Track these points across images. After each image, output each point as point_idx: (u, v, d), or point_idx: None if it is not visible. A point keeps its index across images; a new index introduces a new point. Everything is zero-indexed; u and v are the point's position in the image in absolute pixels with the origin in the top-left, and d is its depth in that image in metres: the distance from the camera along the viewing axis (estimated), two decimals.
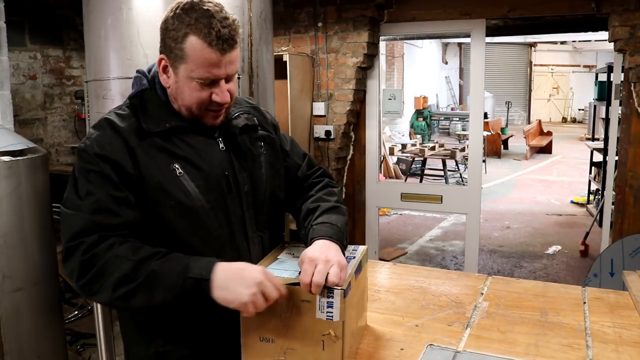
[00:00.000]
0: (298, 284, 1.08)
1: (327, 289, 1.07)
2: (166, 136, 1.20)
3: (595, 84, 7.00)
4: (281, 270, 1.18)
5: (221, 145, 1.26)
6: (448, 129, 14.97)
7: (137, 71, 1.29)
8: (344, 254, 1.19)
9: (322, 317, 1.08)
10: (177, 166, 1.18)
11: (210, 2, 1.15)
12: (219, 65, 1.15)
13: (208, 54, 1.13)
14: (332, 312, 1.08)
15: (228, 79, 1.19)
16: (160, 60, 1.20)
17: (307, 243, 1.22)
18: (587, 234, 5.34)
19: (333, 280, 1.06)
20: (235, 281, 1.06)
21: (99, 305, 2.73)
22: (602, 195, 5.28)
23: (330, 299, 1.07)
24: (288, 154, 1.44)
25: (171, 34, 1.15)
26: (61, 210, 1.17)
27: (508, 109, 15.33)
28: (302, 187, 1.43)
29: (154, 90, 1.25)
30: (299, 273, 1.11)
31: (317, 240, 1.19)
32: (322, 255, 1.10)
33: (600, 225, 4.58)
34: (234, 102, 1.30)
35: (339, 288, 1.07)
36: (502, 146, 12.33)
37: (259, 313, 1.07)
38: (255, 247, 1.30)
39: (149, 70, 1.29)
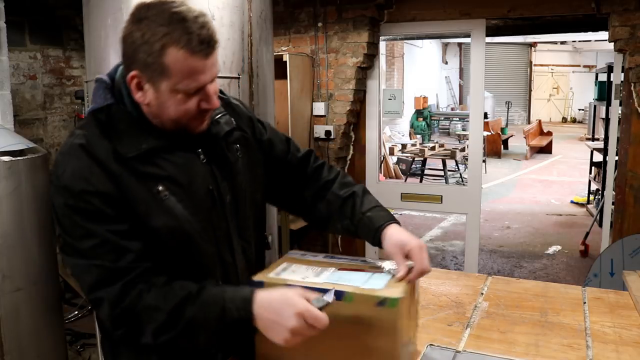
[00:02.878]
0: (327, 304, 1.03)
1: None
2: (145, 158, 1.08)
3: (595, 84, 7.00)
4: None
5: (202, 157, 1.17)
6: (448, 129, 14.97)
7: (97, 80, 1.14)
8: None
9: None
10: (161, 188, 1.08)
11: (173, 1, 1.03)
12: (204, 70, 1.05)
13: (193, 62, 1.03)
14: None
15: (212, 81, 1.10)
16: (133, 77, 1.06)
17: (357, 232, 1.24)
18: (587, 234, 5.34)
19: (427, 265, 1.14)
20: (272, 324, 1.01)
21: None
22: (602, 195, 5.28)
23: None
24: (271, 142, 1.35)
25: (144, 48, 1.02)
26: (65, 258, 1.08)
27: (508, 109, 15.33)
28: (304, 175, 1.35)
29: (122, 105, 1.12)
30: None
31: (389, 226, 1.20)
32: (416, 241, 1.15)
33: (600, 225, 4.58)
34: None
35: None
36: (502, 146, 12.33)
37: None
38: (239, 256, 1.24)
39: (111, 79, 1.14)
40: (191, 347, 1.07)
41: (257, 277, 1.12)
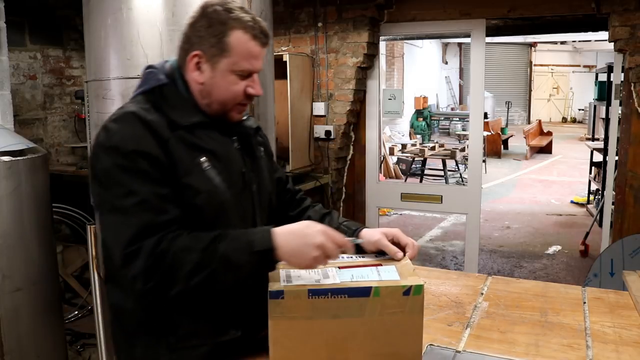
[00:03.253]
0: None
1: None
2: (191, 130, 1.19)
3: (595, 84, 7.00)
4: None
5: (236, 144, 1.29)
6: (448, 129, 14.96)
7: (150, 66, 1.27)
8: None
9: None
10: (203, 159, 1.18)
11: (237, 2, 1.22)
12: (258, 58, 1.21)
13: (252, 46, 1.18)
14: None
15: (258, 72, 1.24)
16: (193, 56, 1.19)
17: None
18: (587, 234, 5.33)
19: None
20: (299, 247, 1.08)
21: (99, 306, 2.73)
22: (602, 195, 5.28)
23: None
24: (277, 167, 1.52)
25: (210, 30, 1.17)
26: (102, 217, 1.13)
27: (508, 109, 15.33)
28: (293, 199, 1.51)
29: (175, 86, 1.23)
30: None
31: (364, 228, 1.34)
32: (394, 229, 1.27)
33: (600, 225, 4.58)
34: None
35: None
36: (502, 146, 12.32)
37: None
38: None
39: (162, 67, 1.27)
40: (219, 287, 1.12)
41: (273, 288, 1.08)
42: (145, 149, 1.12)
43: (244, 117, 1.34)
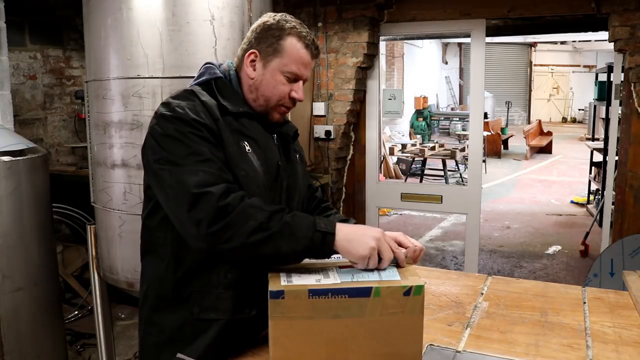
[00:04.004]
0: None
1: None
2: (237, 118, 1.32)
3: (595, 84, 7.00)
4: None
5: (275, 141, 1.40)
6: (448, 129, 14.97)
7: (208, 63, 1.42)
8: None
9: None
10: (246, 143, 1.30)
11: (294, 19, 1.36)
12: (307, 66, 1.34)
13: (303, 53, 1.32)
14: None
15: (304, 82, 1.37)
16: (250, 54, 1.34)
17: None
18: (587, 234, 5.34)
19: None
20: (358, 236, 1.16)
21: (99, 305, 2.74)
22: (602, 195, 5.28)
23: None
24: (309, 176, 1.62)
25: (271, 32, 1.32)
26: (161, 173, 1.20)
27: (508, 109, 15.33)
28: (319, 207, 1.61)
29: (229, 80, 1.38)
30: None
31: None
32: (397, 232, 1.31)
33: (600, 225, 4.58)
34: None
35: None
36: (502, 146, 12.33)
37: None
38: None
39: (220, 65, 1.42)
40: (270, 255, 1.16)
41: (274, 287, 1.07)
42: (204, 120, 1.24)
43: (286, 122, 1.47)
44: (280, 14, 1.37)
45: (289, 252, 1.16)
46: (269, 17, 1.37)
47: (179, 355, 1.31)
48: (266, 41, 1.33)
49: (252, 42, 1.36)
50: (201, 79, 1.38)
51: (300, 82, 1.36)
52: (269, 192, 1.33)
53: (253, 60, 1.35)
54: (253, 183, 1.28)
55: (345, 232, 1.17)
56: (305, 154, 1.85)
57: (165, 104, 1.28)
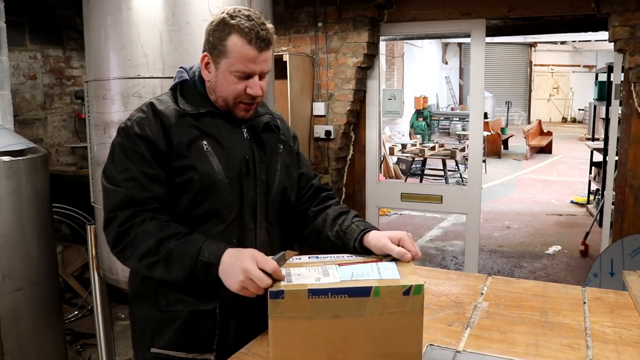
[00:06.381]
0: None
1: None
2: (198, 118, 1.37)
3: (595, 84, 7.00)
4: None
5: (245, 134, 1.42)
6: (448, 129, 14.97)
7: (180, 68, 1.49)
8: None
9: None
10: (204, 142, 1.34)
11: (250, 11, 1.35)
12: (255, 61, 1.32)
13: (247, 50, 1.30)
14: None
15: (261, 76, 1.36)
16: (204, 57, 1.37)
17: (345, 236, 1.37)
18: (587, 234, 5.34)
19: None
20: (230, 269, 1.16)
21: (99, 305, 2.74)
22: (602, 195, 5.28)
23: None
24: (304, 163, 1.60)
25: (216, 34, 1.32)
26: (103, 183, 1.36)
27: (508, 109, 15.32)
28: (316, 195, 1.56)
29: (193, 83, 1.43)
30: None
31: (373, 230, 1.34)
32: (403, 232, 1.28)
33: (600, 225, 4.58)
34: (263, 106, 1.49)
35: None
36: (502, 146, 12.33)
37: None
38: (262, 230, 1.43)
39: (191, 68, 1.47)
40: (164, 279, 1.28)
41: (273, 287, 1.08)
42: (146, 134, 1.32)
43: (260, 115, 1.47)
44: (231, 8, 1.35)
45: (177, 278, 1.25)
46: (217, 15, 1.36)
47: (152, 350, 1.40)
48: (213, 43, 1.34)
49: (205, 44, 1.37)
50: (173, 84, 1.44)
51: (256, 78, 1.34)
52: (234, 187, 1.36)
53: (208, 63, 1.37)
54: (208, 180, 1.33)
55: (225, 264, 1.18)
56: (305, 153, 1.85)
57: (129, 116, 1.38)
